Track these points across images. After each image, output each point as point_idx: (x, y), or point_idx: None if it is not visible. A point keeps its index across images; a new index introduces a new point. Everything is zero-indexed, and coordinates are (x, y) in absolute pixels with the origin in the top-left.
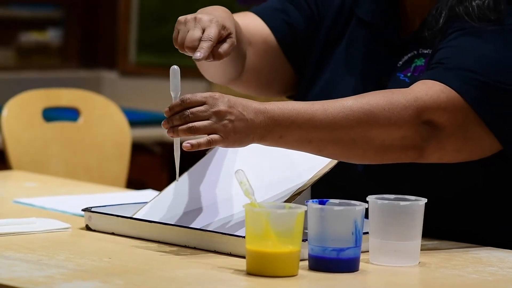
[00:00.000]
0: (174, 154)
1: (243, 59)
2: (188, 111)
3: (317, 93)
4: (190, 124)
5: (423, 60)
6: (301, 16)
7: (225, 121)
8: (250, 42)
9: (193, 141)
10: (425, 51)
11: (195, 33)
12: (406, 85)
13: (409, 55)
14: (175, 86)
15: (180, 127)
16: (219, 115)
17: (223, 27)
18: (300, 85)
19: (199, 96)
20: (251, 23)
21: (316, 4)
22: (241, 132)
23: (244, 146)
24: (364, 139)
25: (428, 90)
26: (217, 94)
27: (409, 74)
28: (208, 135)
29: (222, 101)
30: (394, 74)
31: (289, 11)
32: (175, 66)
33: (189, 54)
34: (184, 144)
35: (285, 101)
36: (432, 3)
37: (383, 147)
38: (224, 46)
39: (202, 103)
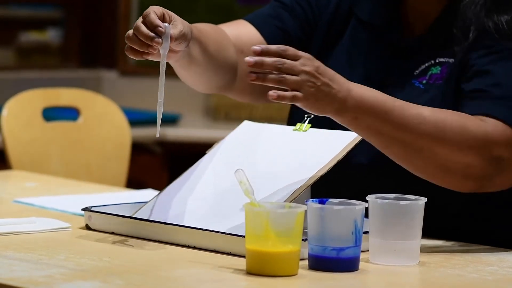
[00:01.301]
0: (157, 109)
1: (230, 68)
2: (284, 62)
3: None
4: (282, 76)
5: (439, 68)
6: (295, 22)
7: (311, 83)
8: (242, 50)
9: (280, 93)
10: (442, 60)
11: (138, 24)
12: (421, 91)
13: (426, 64)
14: (165, 43)
15: (271, 76)
16: (308, 75)
17: (162, 13)
18: None
19: (296, 50)
20: (243, 32)
21: (311, 7)
22: (322, 99)
23: (319, 114)
24: (430, 152)
25: (496, 126)
26: (310, 56)
27: (424, 82)
28: (291, 90)
29: (313, 64)
30: (409, 80)
31: (282, 17)
32: (167, 24)
33: (150, 43)
34: (270, 92)
35: (368, 87)
36: (434, 7)
37: (444, 167)
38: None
39: (298, 58)
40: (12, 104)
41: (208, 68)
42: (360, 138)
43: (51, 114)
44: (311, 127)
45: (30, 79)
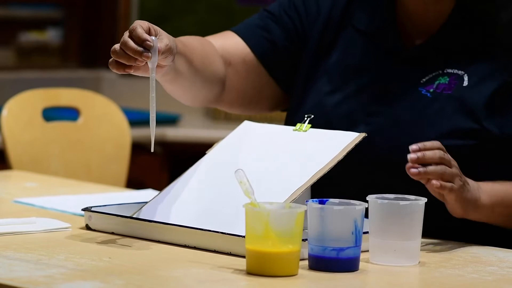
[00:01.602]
0: (150, 124)
1: (217, 81)
2: (445, 154)
3: (312, 105)
4: (444, 167)
5: (447, 79)
6: (282, 32)
7: (459, 177)
8: (230, 62)
9: (442, 182)
10: (450, 71)
11: (125, 39)
12: (428, 100)
13: (433, 73)
14: (154, 57)
15: (433, 168)
16: (458, 170)
17: (148, 28)
18: (291, 100)
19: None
20: (229, 43)
21: (300, 17)
22: (465, 194)
23: (460, 212)
24: None
25: None
26: None
27: (431, 90)
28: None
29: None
30: (415, 88)
31: (270, 28)
32: (154, 37)
33: (138, 57)
34: (434, 182)
35: (486, 182)
36: (436, 16)
37: None
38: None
39: (446, 153)
40: (12, 104)
41: (194, 81)
42: (360, 138)
43: (51, 114)
44: (311, 127)
45: (30, 79)
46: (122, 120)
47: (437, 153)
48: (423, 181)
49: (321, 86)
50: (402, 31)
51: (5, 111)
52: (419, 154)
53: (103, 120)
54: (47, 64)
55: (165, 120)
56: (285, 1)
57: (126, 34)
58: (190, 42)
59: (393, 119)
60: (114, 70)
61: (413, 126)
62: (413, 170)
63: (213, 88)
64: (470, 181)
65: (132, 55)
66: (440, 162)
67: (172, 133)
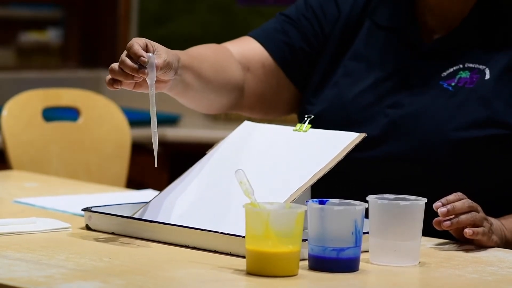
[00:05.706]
0: (152, 139)
1: (233, 87)
2: (471, 202)
3: (330, 97)
4: (474, 214)
5: (468, 73)
6: (300, 35)
7: (485, 219)
8: (248, 68)
9: (474, 229)
10: (471, 65)
11: (123, 57)
12: (450, 93)
13: (454, 68)
14: (151, 73)
15: (464, 217)
16: (483, 213)
17: (146, 44)
18: (304, 96)
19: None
20: (247, 49)
21: (318, 20)
22: (492, 234)
23: (491, 246)
24: None
25: None
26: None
27: (453, 84)
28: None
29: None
30: (436, 81)
31: (288, 31)
32: (151, 54)
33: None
34: (468, 231)
35: (506, 216)
36: (458, 10)
37: None
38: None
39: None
40: (12, 104)
41: (206, 91)
42: (360, 138)
43: (51, 114)
44: (311, 127)
45: (30, 79)
46: (122, 120)
47: (466, 203)
48: (452, 231)
49: (340, 79)
50: (423, 25)
51: (5, 111)
52: (449, 206)
53: (103, 120)
54: (47, 64)
55: (165, 120)
56: (301, 5)
57: (124, 53)
58: (199, 52)
59: (414, 111)
60: (111, 88)
61: (434, 118)
62: (446, 223)
63: (229, 95)
64: (493, 219)
65: (130, 73)
66: (469, 210)
67: (172, 133)
